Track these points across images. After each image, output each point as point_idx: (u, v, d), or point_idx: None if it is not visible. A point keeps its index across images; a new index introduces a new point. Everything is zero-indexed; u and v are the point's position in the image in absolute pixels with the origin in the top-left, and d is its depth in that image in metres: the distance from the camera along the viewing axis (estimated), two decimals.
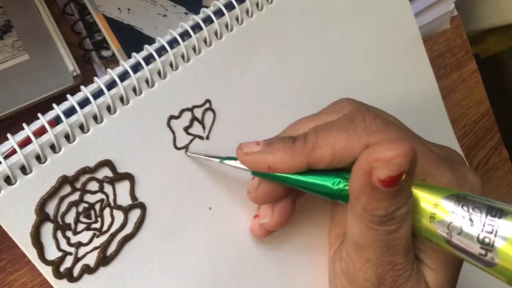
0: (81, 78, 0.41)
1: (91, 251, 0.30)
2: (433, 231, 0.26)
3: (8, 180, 0.28)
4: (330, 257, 0.37)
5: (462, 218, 0.24)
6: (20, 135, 0.28)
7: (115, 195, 0.31)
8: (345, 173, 0.29)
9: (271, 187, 0.31)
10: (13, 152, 0.28)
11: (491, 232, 0.23)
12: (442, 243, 0.25)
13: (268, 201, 0.32)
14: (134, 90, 0.31)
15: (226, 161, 0.32)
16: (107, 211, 0.31)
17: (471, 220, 0.24)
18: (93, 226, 0.30)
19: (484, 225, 0.23)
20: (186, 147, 0.33)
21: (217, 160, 0.32)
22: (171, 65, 0.32)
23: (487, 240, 0.23)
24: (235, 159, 0.31)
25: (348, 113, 0.30)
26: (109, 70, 0.31)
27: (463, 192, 0.25)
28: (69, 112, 0.29)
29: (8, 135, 0.28)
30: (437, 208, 0.25)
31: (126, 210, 0.31)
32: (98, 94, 0.30)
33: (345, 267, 0.29)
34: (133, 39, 0.42)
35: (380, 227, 0.26)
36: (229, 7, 0.34)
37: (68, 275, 0.30)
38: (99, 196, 0.31)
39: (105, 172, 0.31)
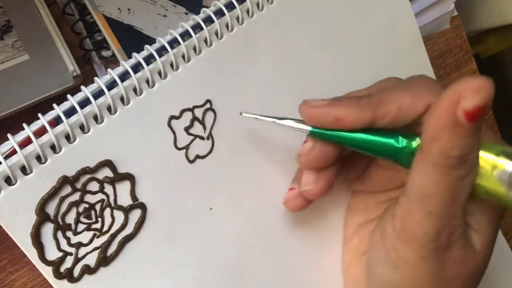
0: (81, 78, 0.41)
1: (91, 251, 0.30)
2: (494, 183, 0.27)
3: (9, 181, 0.28)
4: (352, 247, 0.37)
5: None
6: (20, 135, 0.28)
7: (115, 195, 0.31)
8: (404, 134, 0.30)
9: (325, 150, 0.31)
10: (13, 152, 0.28)
11: None
12: (503, 195, 0.26)
13: (319, 165, 0.32)
14: (135, 90, 0.31)
15: (282, 121, 0.32)
16: (107, 211, 0.31)
17: None
18: (94, 226, 0.30)
19: None
20: (186, 147, 0.33)
21: (271, 119, 0.32)
22: (171, 65, 0.32)
23: None
24: (288, 119, 0.32)
25: (408, 79, 0.31)
26: (109, 70, 0.31)
27: None
28: (70, 112, 0.29)
29: (8, 135, 0.28)
30: (498, 159, 0.26)
31: (127, 211, 0.31)
32: (98, 94, 0.30)
33: (401, 224, 0.29)
34: (133, 39, 0.42)
35: (452, 172, 0.26)
36: (230, 7, 0.34)
37: (69, 276, 0.30)
38: (100, 196, 0.30)
39: (106, 172, 0.30)
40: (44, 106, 0.36)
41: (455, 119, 0.25)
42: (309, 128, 0.31)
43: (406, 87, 0.30)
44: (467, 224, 0.30)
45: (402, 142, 0.29)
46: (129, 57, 0.32)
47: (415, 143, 0.29)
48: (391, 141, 0.30)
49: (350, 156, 0.35)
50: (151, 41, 0.33)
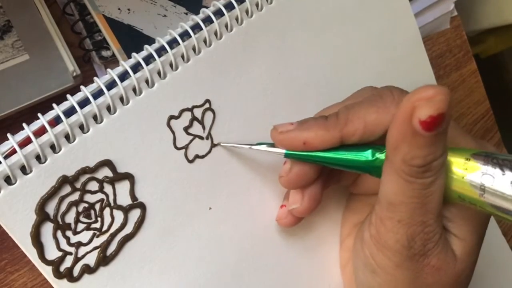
0: (81, 78, 0.41)
1: (91, 251, 0.30)
2: (465, 188, 0.26)
3: (8, 180, 0.28)
4: (347, 247, 0.38)
5: (493, 170, 0.25)
6: (20, 135, 0.28)
7: (115, 195, 0.31)
8: (376, 146, 0.30)
9: (303, 169, 0.32)
10: (13, 152, 0.28)
11: None
12: (476, 200, 0.26)
13: (299, 185, 0.33)
14: (134, 90, 0.31)
15: (256, 147, 0.33)
16: (107, 211, 0.31)
17: (502, 171, 0.25)
18: (93, 226, 0.30)
19: None
20: (186, 147, 0.33)
21: (247, 146, 0.34)
22: (171, 65, 0.32)
23: None
24: (265, 144, 0.33)
25: (375, 92, 0.31)
26: (109, 70, 0.31)
27: (490, 151, 0.27)
28: (69, 112, 0.29)
29: (8, 135, 0.28)
30: (468, 164, 0.26)
31: (126, 210, 0.31)
32: (98, 94, 0.30)
33: (375, 231, 0.30)
34: (133, 39, 0.42)
35: (416, 180, 0.26)
36: (229, 7, 0.34)
37: (68, 275, 0.30)
38: (99, 196, 0.31)
39: (105, 172, 0.31)
40: (44, 106, 0.36)
41: (412, 129, 0.25)
42: (283, 151, 0.32)
43: (373, 101, 0.30)
44: (446, 230, 0.30)
45: (372, 155, 0.30)
46: (129, 57, 0.32)
47: (384, 155, 0.29)
48: (362, 155, 0.30)
49: None
50: (151, 41, 0.33)
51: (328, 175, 0.35)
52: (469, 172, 0.26)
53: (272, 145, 0.33)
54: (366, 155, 0.30)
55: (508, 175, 0.25)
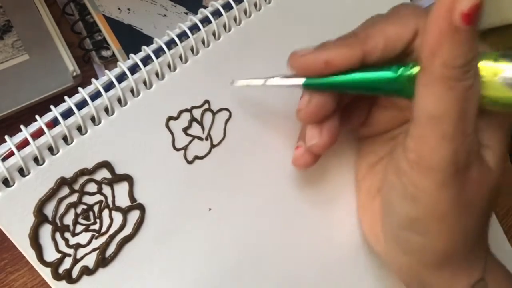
0: (81, 78, 0.41)
1: (90, 252, 0.31)
2: (498, 87, 0.26)
3: (6, 182, 0.28)
4: (364, 189, 0.37)
5: None
6: (18, 137, 0.28)
7: (113, 196, 0.31)
8: (398, 65, 0.29)
9: (323, 100, 0.31)
10: (11, 154, 0.28)
11: None
12: (510, 97, 0.26)
13: (318, 118, 0.32)
14: (132, 91, 0.31)
15: (271, 81, 0.32)
16: (105, 213, 0.31)
17: None
18: (92, 227, 0.31)
19: None
20: (185, 148, 0.33)
21: (262, 81, 0.32)
22: (169, 66, 0.32)
23: None
24: (277, 76, 0.32)
25: (390, 10, 0.31)
26: (106, 71, 0.31)
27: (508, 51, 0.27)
28: (67, 113, 0.29)
29: (6, 137, 0.28)
30: (497, 64, 0.26)
31: (125, 212, 0.31)
32: (96, 95, 0.30)
33: (416, 155, 0.29)
34: (133, 39, 0.42)
35: (458, 83, 0.26)
36: (227, 7, 0.34)
37: (67, 277, 0.30)
38: (98, 197, 0.31)
39: (104, 173, 0.31)
40: (44, 106, 0.36)
41: (453, 25, 0.24)
42: (302, 81, 0.31)
43: (390, 17, 0.30)
44: (479, 142, 0.30)
45: (398, 70, 0.29)
46: (129, 57, 0.32)
47: (411, 69, 0.28)
48: (387, 72, 0.29)
49: (350, 105, 0.35)
50: (151, 41, 0.33)
51: (340, 115, 0.34)
52: (500, 73, 0.26)
53: (289, 77, 0.32)
54: (390, 72, 0.29)
55: None
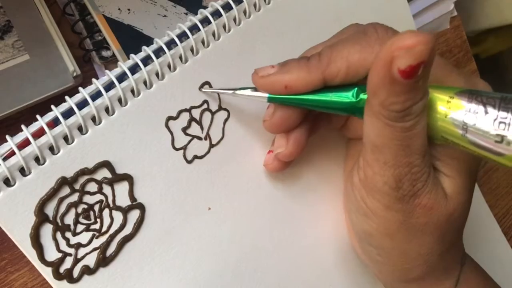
0: (81, 78, 0.41)
1: (90, 252, 0.31)
2: (448, 127, 0.26)
3: (7, 182, 0.28)
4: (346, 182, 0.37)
5: (476, 109, 0.24)
6: (19, 137, 0.28)
7: (114, 196, 0.31)
8: (360, 86, 0.29)
9: (287, 113, 0.31)
10: (12, 153, 0.28)
11: (505, 119, 0.24)
12: (458, 138, 0.26)
13: (283, 129, 0.32)
14: (132, 91, 0.31)
15: (241, 92, 0.32)
16: (106, 212, 0.31)
17: (485, 110, 0.24)
18: (93, 227, 0.31)
19: (498, 114, 0.24)
20: (184, 148, 0.33)
21: (230, 92, 0.33)
22: (168, 66, 0.32)
23: (502, 127, 0.24)
24: (248, 88, 0.32)
25: (359, 29, 0.31)
26: (107, 71, 0.31)
27: (475, 89, 0.26)
28: (68, 113, 0.29)
29: (7, 136, 0.28)
30: (451, 103, 0.26)
31: (125, 211, 0.31)
32: (96, 95, 0.30)
33: (363, 174, 0.29)
34: (133, 39, 0.43)
35: (396, 123, 0.26)
36: (227, 8, 0.34)
37: (68, 276, 0.30)
38: (98, 197, 0.31)
39: (104, 173, 0.31)
40: (44, 106, 0.36)
41: (391, 76, 0.24)
42: (266, 95, 0.31)
43: (357, 39, 0.29)
44: (436, 169, 0.30)
45: (356, 96, 0.29)
46: (129, 57, 0.32)
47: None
48: (346, 97, 0.29)
49: None
50: (151, 41, 0.33)
51: (316, 118, 0.34)
52: (453, 111, 0.25)
53: (255, 89, 0.32)
54: (350, 96, 0.29)
55: (492, 114, 0.24)
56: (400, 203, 0.29)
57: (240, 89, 0.32)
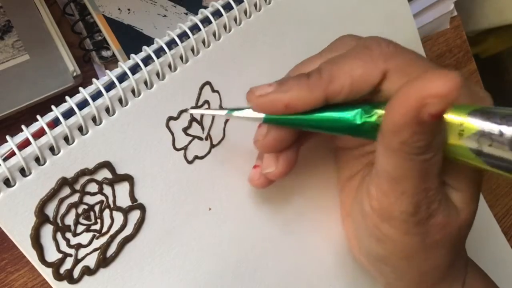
0: (81, 78, 0.41)
1: (91, 252, 0.31)
2: (462, 147, 0.25)
3: (8, 182, 0.28)
4: (343, 201, 0.37)
5: (491, 129, 0.24)
6: (19, 137, 0.28)
7: (114, 196, 0.31)
8: (364, 105, 0.28)
9: (281, 134, 0.30)
10: (12, 154, 0.28)
11: None
12: (472, 158, 0.25)
13: (276, 149, 0.31)
14: (133, 91, 0.31)
15: (235, 113, 0.30)
16: (106, 213, 0.31)
17: (500, 131, 0.23)
18: (93, 227, 0.31)
19: None
20: (185, 148, 0.33)
21: (223, 113, 0.31)
22: (169, 66, 0.32)
23: None
24: (241, 109, 0.30)
25: (360, 42, 0.29)
26: (107, 71, 0.31)
27: (487, 106, 0.25)
28: (68, 113, 0.29)
29: (7, 137, 0.28)
30: (464, 124, 0.25)
31: (126, 211, 0.31)
32: (97, 95, 0.30)
33: (378, 204, 0.28)
34: (133, 39, 0.42)
35: (417, 157, 0.25)
36: (227, 8, 0.34)
37: (68, 277, 0.30)
38: (99, 197, 0.31)
39: (105, 173, 0.31)
40: (44, 106, 0.36)
41: (419, 118, 0.23)
42: (262, 116, 0.29)
43: (359, 54, 0.28)
44: (445, 183, 0.29)
45: (360, 118, 0.27)
46: (129, 57, 0.32)
47: (375, 117, 0.27)
48: (349, 119, 0.28)
49: None
50: (151, 41, 0.33)
51: (304, 133, 0.33)
52: (466, 135, 0.24)
53: (249, 109, 0.30)
54: (354, 118, 0.27)
55: (507, 134, 0.23)
56: (417, 227, 0.28)
57: (233, 110, 0.31)
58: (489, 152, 0.24)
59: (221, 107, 0.33)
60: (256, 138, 0.31)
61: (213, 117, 0.34)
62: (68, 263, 0.30)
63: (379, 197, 0.28)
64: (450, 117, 0.25)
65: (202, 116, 0.34)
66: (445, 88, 0.22)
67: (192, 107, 0.33)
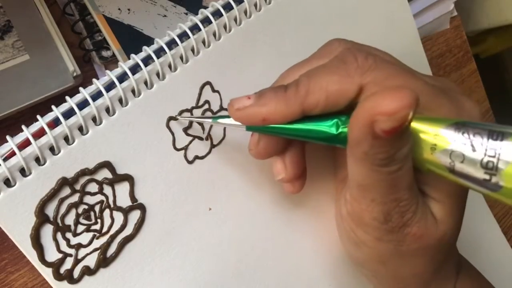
0: (81, 78, 0.41)
1: (91, 252, 0.31)
2: (435, 162, 0.25)
3: (8, 182, 0.28)
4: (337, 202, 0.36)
5: (464, 145, 0.24)
6: (19, 137, 0.28)
7: (114, 196, 0.31)
8: (341, 115, 0.28)
9: (271, 140, 0.31)
10: (12, 154, 0.28)
11: (494, 156, 0.23)
12: (446, 173, 0.25)
13: (271, 155, 0.31)
14: (133, 91, 0.31)
15: (220, 120, 0.31)
16: (106, 213, 0.31)
17: (472, 146, 0.23)
18: (93, 227, 0.31)
19: (486, 150, 0.23)
20: (185, 148, 0.33)
21: (209, 120, 0.32)
22: (169, 66, 0.32)
23: (490, 164, 0.23)
24: (227, 117, 0.31)
25: (339, 55, 0.30)
26: (107, 71, 0.31)
27: (462, 119, 0.25)
28: (68, 113, 0.29)
29: (7, 137, 0.28)
30: (437, 138, 0.25)
31: (126, 211, 0.31)
32: (97, 95, 0.30)
33: (351, 209, 0.29)
34: (133, 39, 0.42)
35: (381, 169, 0.25)
36: (227, 8, 0.34)
37: (69, 277, 0.30)
38: (99, 197, 0.31)
39: (105, 173, 0.31)
40: (45, 106, 0.36)
41: (373, 133, 0.23)
42: (244, 126, 0.30)
43: (336, 68, 0.28)
44: (424, 193, 0.29)
45: (337, 128, 0.28)
46: (129, 57, 0.32)
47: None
48: (326, 129, 0.28)
49: None
50: (151, 41, 0.33)
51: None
52: (438, 149, 0.25)
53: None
54: (330, 129, 0.28)
55: (479, 151, 0.23)
56: (390, 234, 0.28)
57: (219, 117, 0.31)
58: (461, 168, 0.24)
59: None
60: (249, 147, 0.31)
61: None
62: (68, 263, 0.30)
63: (352, 202, 0.29)
64: (424, 129, 0.25)
65: (203, 115, 0.34)
66: (392, 107, 0.22)
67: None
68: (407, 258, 0.30)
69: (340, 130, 0.28)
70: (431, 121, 0.25)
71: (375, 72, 0.28)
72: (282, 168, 0.32)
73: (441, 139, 0.25)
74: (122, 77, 0.31)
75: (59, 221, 0.29)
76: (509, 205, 0.23)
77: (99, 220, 0.31)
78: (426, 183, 0.29)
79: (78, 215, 0.30)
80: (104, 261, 0.31)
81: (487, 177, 0.23)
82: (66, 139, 0.29)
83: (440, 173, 0.25)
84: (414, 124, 0.26)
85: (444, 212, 0.29)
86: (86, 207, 0.30)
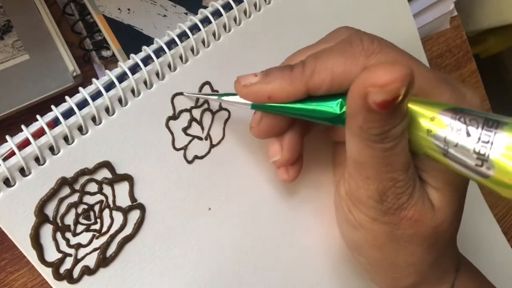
0: (81, 78, 0.41)
1: (90, 252, 0.31)
2: (430, 145, 0.25)
3: (7, 182, 0.28)
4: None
5: (459, 130, 0.24)
6: (19, 137, 0.28)
7: (114, 196, 0.31)
8: (345, 96, 0.28)
9: (273, 120, 0.31)
10: (12, 154, 0.28)
11: (487, 143, 0.23)
12: (440, 157, 0.25)
13: (272, 135, 0.32)
14: (133, 91, 0.31)
15: (225, 97, 0.32)
16: (106, 212, 0.31)
17: (467, 132, 0.24)
18: (93, 227, 0.31)
19: (480, 136, 0.23)
20: (185, 148, 0.33)
21: (215, 97, 0.32)
22: (169, 66, 0.32)
23: (483, 151, 0.23)
24: (233, 94, 0.31)
25: (346, 38, 0.30)
26: (107, 71, 0.31)
27: (459, 106, 0.25)
28: (68, 113, 0.29)
29: (7, 137, 0.28)
30: (434, 122, 0.25)
31: (126, 211, 0.31)
32: (96, 95, 0.30)
33: (348, 187, 0.30)
34: (133, 39, 0.42)
35: (375, 145, 0.26)
36: (227, 7, 0.34)
37: (68, 277, 0.30)
38: (98, 197, 0.31)
39: (104, 173, 0.31)
40: (44, 106, 0.36)
41: (367, 106, 0.24)
42: (250, 103, 0.31)
43: (342, 50, 0.29)
44: (423, 180, 0.30)
45: (340, 108, 0.28)
46: (129, 57, 0.32)
47: None
48: (330, 109, 0.29)
49: None
50: (151, 41, 0.33)
51: (305, 121, 0.33)
52: (435, 130, 0.25)
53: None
54: (334, 108, 0.28)
55: (474, 137, 0.23)
56: (385, 215, 0.29)
57: (225, 95, 0.32)
58: (455, 152, 0.24)
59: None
60: (251, 125, 0.32)
61: (213, 117, 0.34)
62: (68, 263, 0.30)
63: (349, 180, 0.29)
64: (422, 111, 0.26)
65: (202, 114, 0.34)
66: (384, 79, 0.23)
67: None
68: (403, 243, 0.30)
69: (343, 110, 0.28)
70: (429, 104, 0.26)
71: (380, 55, 0.28)
72: (278, 150, 0.32)
73: (437, 123, 0.25)
74: (122, 77, 0.31)
75: (58, 221, 0.29)
76: (498, 192, 0.24)
77: (98, 220, 0.31)
78: (425, 170, 0.30)
79: (77, 215, 0.30)
80: (104, 261, 0.31)
81: (479, 163, 0.23)
82: (65, 139, 0.29)
83: (434, 156, 0.26)
84: (412, 106, 0.26)
85: (442, 200, 0.30)
86: (85, 207, 0.30)
